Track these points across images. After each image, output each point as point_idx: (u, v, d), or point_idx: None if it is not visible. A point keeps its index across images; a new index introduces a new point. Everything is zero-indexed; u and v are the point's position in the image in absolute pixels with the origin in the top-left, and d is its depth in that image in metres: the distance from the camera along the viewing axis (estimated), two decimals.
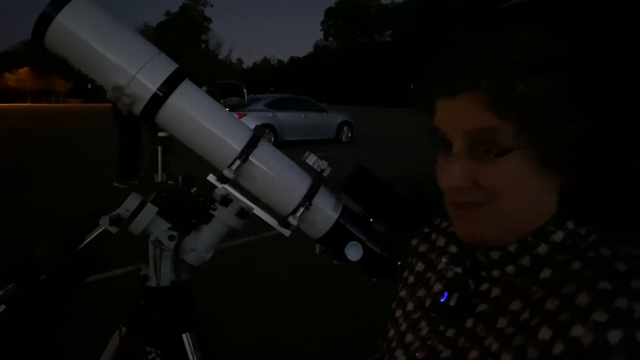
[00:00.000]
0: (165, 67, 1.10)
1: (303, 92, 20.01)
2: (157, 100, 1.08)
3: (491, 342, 0.57)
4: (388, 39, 68.17)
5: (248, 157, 1.12)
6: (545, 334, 0.51)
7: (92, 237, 1.14)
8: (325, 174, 1.20)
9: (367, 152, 11.85)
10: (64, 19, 1.01)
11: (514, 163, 0.55)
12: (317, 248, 1.33)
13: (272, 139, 12.20)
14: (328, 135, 14.02)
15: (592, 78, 0.53)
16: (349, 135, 14.73)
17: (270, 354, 2.74)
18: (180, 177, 1.39)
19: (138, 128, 7.28)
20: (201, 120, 1.13)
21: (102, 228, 1.13)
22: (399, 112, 30.64)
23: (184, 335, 1.16)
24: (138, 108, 1.09)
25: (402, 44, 56.17)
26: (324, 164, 1.19)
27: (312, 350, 2.78)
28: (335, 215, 1.21)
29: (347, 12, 70.83)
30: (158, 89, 1.07)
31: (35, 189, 7.18)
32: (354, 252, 1.19)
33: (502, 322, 0.57)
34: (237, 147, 1.13)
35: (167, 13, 76.07)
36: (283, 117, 12.87)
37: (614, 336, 0.46)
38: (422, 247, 0.80)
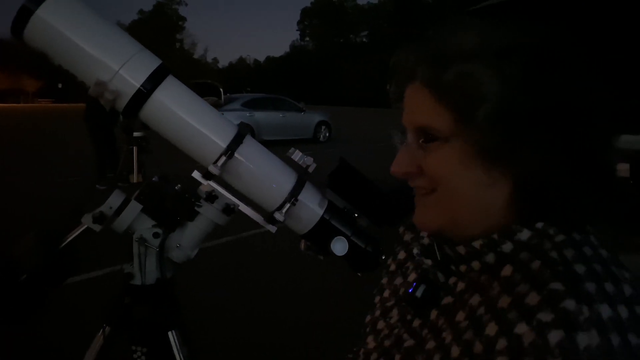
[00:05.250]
0: (149, 62, 1.09)
1: (280, 91, 19.95)
2: (141, 96, 1.07)
3: (447, 334, 0.59)
4: (364, 39, 68.58)
5: (234, 154, 1.12)
6: (491, 329, 0.53)
7: (74, 235, 1.12)
8: (310, 170, 1.21)
9: (345, 152, 11.90)
10: (44, 13, 0.99)
11: (451, 151, 0.58)
12: (302, 244, 1.34)
13: None
14: (306, 135, 14.03)
15: (517, 70, 0.53)
16: (327, 135, 14.78)
17: (248, 357, 2.72)
18: (155, 177, 1.37)
19: (109, 129, 7.17)
20: (185, 116, 1.13)
21: (85, 226, 1.11)
22: (375, 112, 30.79)
23: (169, 333, 1.15)
24: (121, 104, 1.08)
25: (378, 44, 56.59)
26: (309, 160, 1.20)
27: (292, 353, 2.77)
28: (321, 211, 1.22)
29: (323, 12, 70.90)
30: (142, 85, 1.06)
31: (14, 189, 6.97)
32: (339, 246, 1.20)
33: (460, 316, 0.59)
34: (223, 143, 1.13)
35: (141, 12, 74.75)
36: (260, 116, 12.83)
37: (554, 337, 0.46)
38: (407, 237, 0.82)
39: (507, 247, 0.58)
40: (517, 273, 0.55)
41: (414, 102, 0.61)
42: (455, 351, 0.56)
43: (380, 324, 0.72)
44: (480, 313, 0.56)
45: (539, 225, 0.58)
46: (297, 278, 3.71)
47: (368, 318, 0.78)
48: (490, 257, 0.59)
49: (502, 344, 0.50)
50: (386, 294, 0.77)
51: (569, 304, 0.48)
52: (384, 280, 0.81)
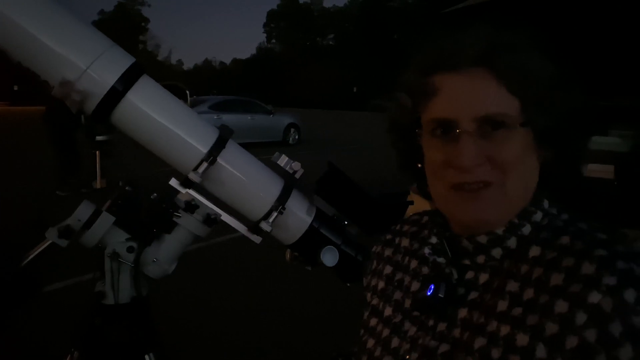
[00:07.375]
0: (121, 60, 0.99)
1: (247, 94, 19.71)
2: (113, 98, 0.97)
3: (496, 326, 0.57)
4: (331, 42, 68.89)
5: (216, 159, 1.04)
6: (561, 307, 0.52)
7: (37, 251, 1.01)
8: (297, 175, 1.14)
9: (315, 154, 11.87)
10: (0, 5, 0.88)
11: (520, 139, 0.58)
12: (288, 254, 1.26)
13: None
14: (275, 138, 13.88)
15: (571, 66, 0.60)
16: (296, 137, 14.68)
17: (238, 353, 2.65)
18: (120, 183, 1.27)
19: (70, 133, 6.85)
20: (162, 119, 1.04)
21: (49, 241, 1.01)
22: (344, 115, 30.98)
23: (146, 356, 1.06)
24: (90, 106, 0.98)
25: (345, 47, 56.95)
26: (296, 165, 1.13)
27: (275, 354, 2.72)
28: (309, 219, 1.15)
29: (289, 15, 70.85)
30: (114, 85, 0.96)
31: None
32: (330, 257, 1.14)
33: (502, 305, 0.57)
34: (203, 148, 1.04)
35: (102, 12, 72.65)
36: (228, 119, 12.58)
37: (630, 296, 0.49)
38: (387, 252, 0.79)
39: (526, 229, 0.60)
40: (548, 251, 0.56)
41: (474, 90, 0.58)
42: (522, 339, 0.54)
43: (395, 342, 0.67)
44: (529, 297, 0.55)
45: (546, 205, 0.62)
46: (284, 275, 3.64)
47: (371, 343, 0.71)
48: (512, 242, 0.60)
49: (581, 317, 0.50)
50: (388, 312, 0.71)
51: (621, 264, 0.50)
52: (375, 302, 0.76)
